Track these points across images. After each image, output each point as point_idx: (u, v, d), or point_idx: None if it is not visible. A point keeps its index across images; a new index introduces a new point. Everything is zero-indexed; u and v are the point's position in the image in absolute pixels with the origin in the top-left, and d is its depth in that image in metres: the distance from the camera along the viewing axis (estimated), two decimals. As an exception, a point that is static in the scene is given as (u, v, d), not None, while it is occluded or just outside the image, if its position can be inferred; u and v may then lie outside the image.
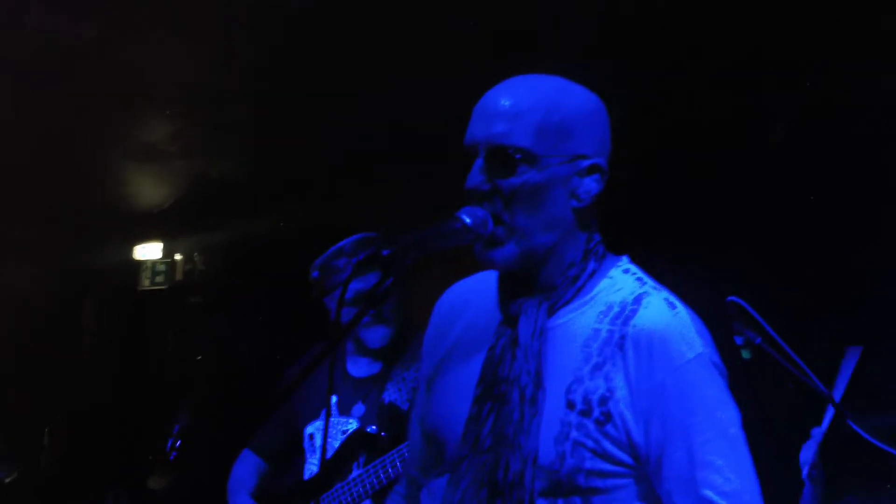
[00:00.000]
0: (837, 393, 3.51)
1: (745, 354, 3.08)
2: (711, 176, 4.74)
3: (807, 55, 4.32)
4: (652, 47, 4.27)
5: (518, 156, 1.81)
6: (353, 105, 5.11)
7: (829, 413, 3.54)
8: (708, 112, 4.75)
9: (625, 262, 1.95)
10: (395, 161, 5.68)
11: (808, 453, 3.55)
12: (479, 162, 1.84)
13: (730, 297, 3.12)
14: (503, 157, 1.82)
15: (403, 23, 4.33)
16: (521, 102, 1.84)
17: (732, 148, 4.78)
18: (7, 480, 4.16)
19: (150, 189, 6.41)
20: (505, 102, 1.85)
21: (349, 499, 3.38)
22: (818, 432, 3.57)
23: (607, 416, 1.77)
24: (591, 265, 1.89)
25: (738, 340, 3.10)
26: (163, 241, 6.97)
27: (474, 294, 2.04)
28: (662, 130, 4.63)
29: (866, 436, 3.02)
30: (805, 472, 3.53)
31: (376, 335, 3.50)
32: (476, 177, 1.84)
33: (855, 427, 3.04)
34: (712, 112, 4.75)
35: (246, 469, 3.75)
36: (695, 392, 1.77)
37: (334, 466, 3.45)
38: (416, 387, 3.55)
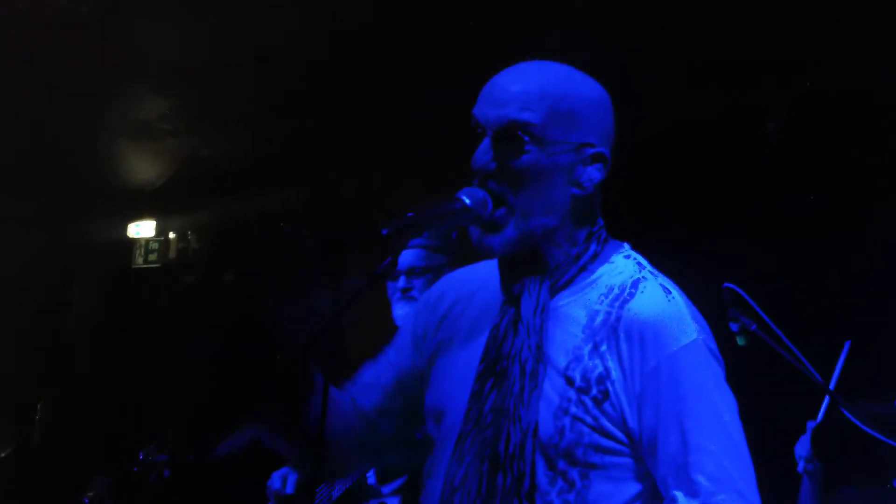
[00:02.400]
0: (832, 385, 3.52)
1: (741, 341, 3.09)
2: (709, 167, 4.75)
3: (806, 54, 4.33)
4: (650, 43, 4.27)
5: (527, 138, 1.82)
6: (349, 90, 5.11)
7: (824, 406, 3.55)
8: (705, 108, 4.77)
9: (626, 248, 1.96)
10: (390, 147, 5.69)
11: (804, 447, 3.56)
12: (486, 142, 1.85)
13: (726, 284, 3.12)
14: (512, 139, 1.82)
15: (404, 7, 4.32)
16: (533, 87, 1.85)
17: (731, 141, 4.79)
18: (2, 455, 4.17)
19: (144, 167, 6.39)
20: (518, 86, 1.86)
21: None
22: (814, 425, 3.58)
23: (605, 395, 1.78)
24: (594, 247, 1.90)
25: (734, 327, 3.10)
26: (156, 219, 6.95)
27: (478, 277, 2.05)
28: (661, 124, 4.64)
29: (859, 423, 3.03)
30: (801, 466, 3.54)
31: (402, 311, 3.50)
32: (483, 156, 1.85)
33: (848, 415, 3.05)
34: (710, 108, 4.76)
35: None
36: (688, 377, 1.77)
37: None
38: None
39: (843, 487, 3.63)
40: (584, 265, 1.89)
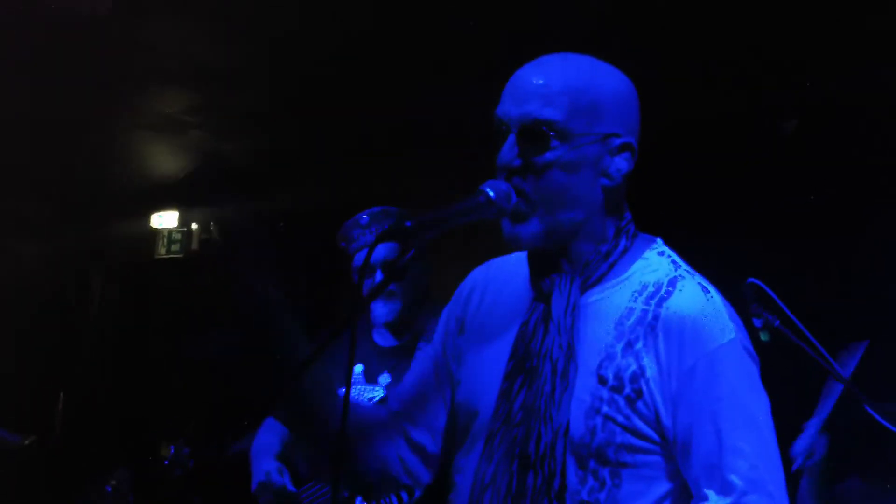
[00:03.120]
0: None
1: (764, 336, 3.08)
2: (711, 167, 4.76)
3: (808, 55, 4.32)
4: (650, 43, 4.26)
5: (552, 133, 1.80)
6: (370, 91, 5.12)
7: (829, 403, 3.54)
8: (706, 108, 4.76)
9: (659, 244, 1.95)
10: (409, 146, 5.70)
11: (800, 445, 3.56)
12: (511, 138, 1.84)
13: (749, 279, 3.12)
14: (536, 134, 1.82)
15: (420, 7, 4.33)
16: (555, 81, 1.83)
17: (732, 141, 4.79)
18: (26, 443, 4.20)
19: (168, 158, 6.41)
20: (539, 80, 1.84)
21: None
22: (810, 425, 3.58)
23: (638, 393, 1.77)
24: (623, 243, 1.89)
25: (757, 323, 3.10)
26: (179, 211, 6.98)
27: (507, 272, 2.03)
28: (661, 124, 4.63)
29: (883, 421, 3.02)
30: (797, 464, 3.53)
31: (385, 309, 3.50)
32: (508, 153, 1.84)
33: (871, 411, 3.04)
34: (711, 108, 4.76)
35: (270, 436, 3.76)
36: (725, 377, 1.77)
37: None
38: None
39: (851, 479, 3.62)
40: (614, 261, 1.87)
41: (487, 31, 4.26)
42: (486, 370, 1.92)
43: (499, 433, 1.85)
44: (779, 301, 3.06)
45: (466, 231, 1.89)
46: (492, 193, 1.82)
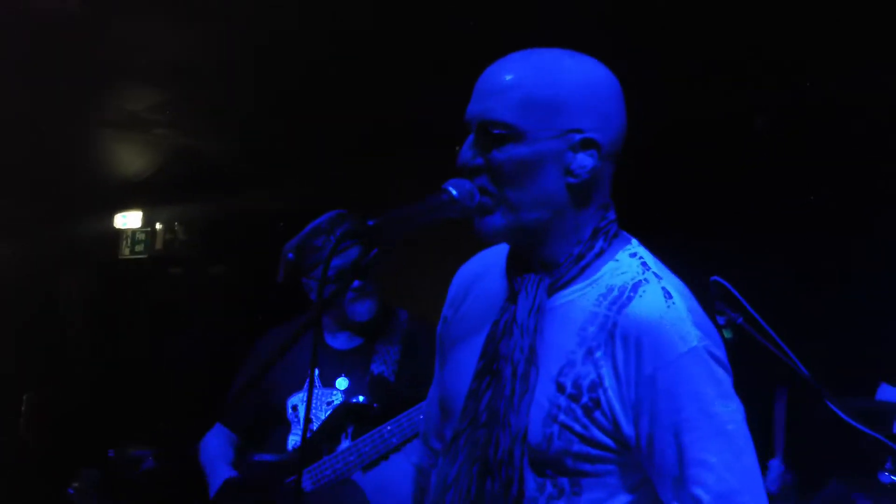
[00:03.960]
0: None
1: (727, 334, 3.10)
2: (704, 168, 4.77)
3: (805, 55, 4.34)
4: (648, 44, 4.27)
5: (501, 131, 1.77)
6: (341, 90, 5.11)
7: (780, 436, 3.58)
8: (701, 108, 4.78)
9: (634, 244, 1.89)
10: (382, 148, 5.69)
11: (773, 483, 3.60)
12: (470, 137, 1.82)
13: (713, 278, 3.13)
14: (490, 133, 1.79)
15: (399, 10, 4.32)
16: (507, 77, 1.80)
17: (727, 141, 4.81)
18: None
19: (132, 157, 6.37)
20: (494, 78, 1.82)
21: (341, 469, 3.38)
22: (773, 465, 3.62)
23: (596, 403, 1.73)
24: (599, 244, 1.83)
25: (720, 320, 3.11)
26: (143, 210, 6.94)
27: (487, 267, 2.00)
28: (658, 126, 4.65)
29: (844, 416, 3.04)
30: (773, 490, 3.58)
31: (363, 308, 3.50)
32: (466, 152, 1.82)
33: (833, 407, 3.06)
34: (706, 108, 4.78)
35: (220, 442, 3.74)
36: (687, 388, 1.71)
37: (321, 438, 3.44)
38: (400, 360, 3.55)
39: (830, 485, 3.65)
40: (587, 264, 1.82)
41: (487, 31, 4.25)
42: (461, 369, 1.90)
43: (464, 433, 1.83)
44: (742, 299, 3.08)
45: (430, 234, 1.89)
46: (455, 192, 1.79)
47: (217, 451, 3.72)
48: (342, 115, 5.42)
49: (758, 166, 4.74)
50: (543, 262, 1.84)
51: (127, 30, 4.64)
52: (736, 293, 3.08)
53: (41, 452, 6.61)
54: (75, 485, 4.31)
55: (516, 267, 1.87)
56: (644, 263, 1.83)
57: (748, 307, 3.07)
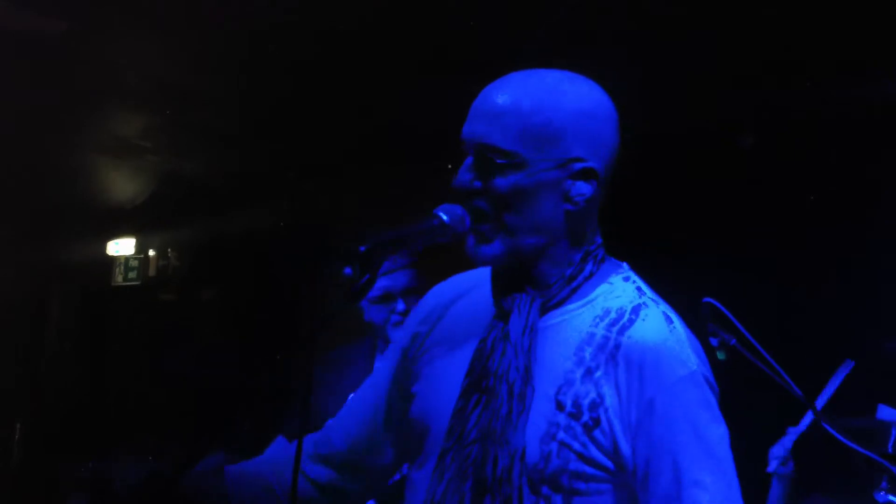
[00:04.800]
0: (822, 400, 3.54)
1: (720, 356, 3.09)
2: (690, 179, 4.77)
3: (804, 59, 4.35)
4: (641, 53, 4.28)
5: (502, 160, 1.78)
6: (327, 108, 5.11)
7: (809, 415, 3.56)
8: (697, 117, 4.78)
9: (625, 269, 1.92)
10: (368, 164, 5.69)
11: (779, 449, 3.57)
12: (468, 160, 1.83)
13: (705, 299, 3.13)
14: (490, 160, 1.80)
15: (384, 29, 4.33)
16: (504, 102, 1.80)
17: (717, 153, 4.81)
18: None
19: (123, 184, 6.36)
20: (492, 101, 1.82)
21: None
22: (794, 431, 3.59)
23: (596, 422, 1.75)
24: (589, 267, 1.86)
25: (713, 342, 3.11)
26: (136, 237, 6.92)
27: (469, 287, 2.01)
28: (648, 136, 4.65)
29: (840, 437, 3.04)
30: (773, 466, 3.55)
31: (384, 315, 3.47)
32: (465, 175, 1.82)
33: (829, 428, 3.05)
34: (701, 117, 4.78)
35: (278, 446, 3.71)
36: (684, 411, 1.75)
37: None
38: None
39: (813, 494, 3.64)
40: (577, 285, 1.85)
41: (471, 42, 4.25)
42: (443, 386, 1.90)
43: (451, 451, 1.82)
44: (734, 320, 3.08)
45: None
46: (445, 217, 1.80)
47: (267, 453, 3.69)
48: (334, 136, 5.42)
49: (747, 184, 4.75)
50: (535, 282, 1.85)
51: (114, 53, 4.65)
52: (729, 314, 3.07)
53: (33, 478, 6.57)
54: (67, 510, 4.27)
55: (504, 287, 1.87)
56: (639, 288, 1.87)
57: (741, 328, 3.07)
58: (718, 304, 3.08)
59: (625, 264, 1.93)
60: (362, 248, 1.72)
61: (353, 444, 2.08)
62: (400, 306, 3.38)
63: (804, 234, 4.57)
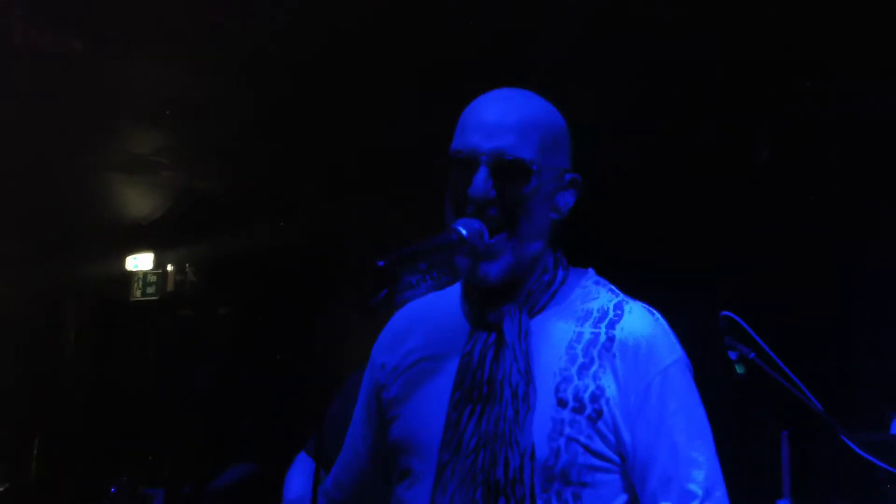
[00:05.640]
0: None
1: (739, 369, 3.08)
2: (697, 191, 4.77)
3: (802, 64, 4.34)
4: (629, 66, 4.27)
5: (530, 169, 1.85)
6: (341, 126, 5.13)
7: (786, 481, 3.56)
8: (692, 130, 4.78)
9: (592, 274, 2.00)
10: (383, 181, 5.70)
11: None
12: (483, 171, 1.86)
13: (723, 312, 3.11)
14: (512, 169, 1.85)
15: (392, 42, 4.34)
16: (526, 118, 1.88)
17: (718, 167, 4.81)
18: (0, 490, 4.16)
19: (141, 200, 6.40)
20: (505, 115, 1.88)
21: None
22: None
23: (599, 413, 1.81)
24: (561, 273, 1.95)
25: (732, 355, 3.09)
26: (154, 252, 6.95)
27: (426, 311, 2.07)
28: (641, 147, 4.65)
29: (858, 450, 3.02)
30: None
31: None
32: (481, 185, 1.85)
33: (848, 441, 3.03)
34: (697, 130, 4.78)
35: (302, 472, 3.71)
36: (676, 393, 1.85)
37: None
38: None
39: None
40: (555, 291, 1.93)
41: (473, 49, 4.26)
42: (427, 404, 1.92)
43: (449, 464, 1.85)
44: (753, 334, 3.06)
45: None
46: (464, 232, 1.82)
47: (298, 489, 3.69)
48: (350, 152, 5.44)
49: (759, 195, 4.74)
50: (519, 291, 1.91)
51: (130, 71, 4.67)
52: (748, 328, 3.06)
53: (51, 495, 6.59)
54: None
55: (484, 301, 1.91)
56: (612, 290, 1.96)
57: (760, 342, 3.05)
58: (737, 318, 3.07)
59: (591, 270, 2.01)
60: (381, 263, 1.73)
61: (353, 489, 2.16)
62: None
63: (813, 239, 4.56)
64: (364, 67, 4.59)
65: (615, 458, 1.82)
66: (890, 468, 3.03)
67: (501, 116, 1.89)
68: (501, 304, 1.90)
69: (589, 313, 1.90)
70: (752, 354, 3.08)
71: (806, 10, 3.98)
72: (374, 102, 4.87)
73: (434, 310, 2.05)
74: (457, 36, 4.23)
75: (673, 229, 4.61)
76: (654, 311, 1.91)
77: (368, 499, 2.13)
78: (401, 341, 2.05)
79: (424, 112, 4.74)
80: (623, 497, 1.85)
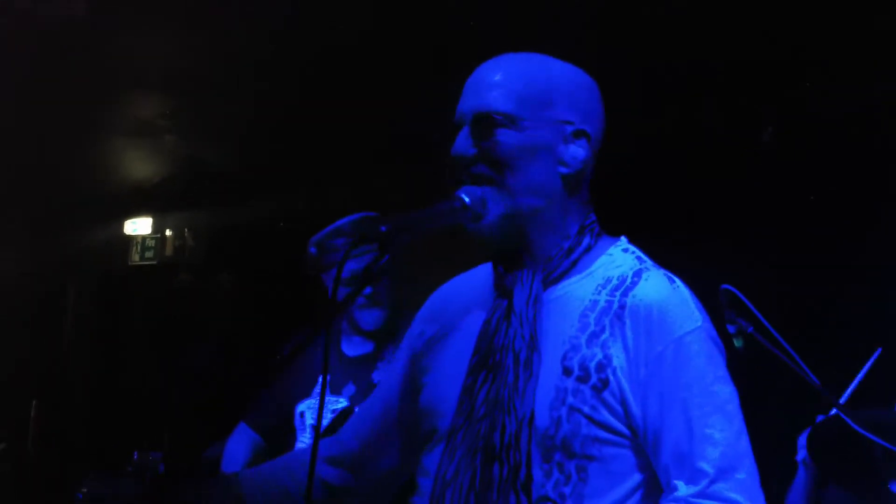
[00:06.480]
0: (849, 390, 3.53)
1: (738, 343, 3.08)
2: (709, 169, 4.76)
3: (805, 57, 4.33)
4: (648, 48, 4.27)
5: (499, 118, 1.85)
6: (347, 98, 5.11)
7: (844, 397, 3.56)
8: (706, 112, 4.77)
9: (623, 241, 1.97)
10: (388, 156, 5.69)
11: (805, 437, 3.56)
12: (464, 130, 1.89)
13: (723, 286, 3.12)
14: (486, 122, 1.87)
15: (403, 18, 4.33)
16: (503, 73, 1.90)
17: (731, 145, 4.81)
18: (-1, 448, 4.18)
19: (142, 164, 6.38)
20: (489, 74, 1.91)
21: None
22: (821, 418, 3.59)
23: (605, 383, 1.77)
24: (587, 240, 1.91)
25: (731, 329, 3.09)
26: (153, 217, 6.94)
27: (469, 282, 2.06)
28: (662, 129, 4.64)
29: (857, 427, 3.02)
30: (801, 454, 3.55)
31: (371, 317, 3.50)
32: (462, 142, 1.88)
33: (846, 418, 3.04)
34: (710, 112, 4.77)
35: (241, 443, 3.74)
36: (692, 364, 1.77)
37: None
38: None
39: (829, 486, 3.64)
40: (577, 258, 1.89)
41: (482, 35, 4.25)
42: (451, 371, 1.93)
43: (461, 429, 1.84)
44: (752, 307, 3.07)
45: (440, 240, 1.90)
46: (467, 199, 1.84)
47: (234, 452, 3.72)
48: (350, 122, 5.42)
49: (763, 173, 4.74)
50: (535, 256, 1.89)
51: (135, 37, 4.66)
52: (747, 302, 3.06)
53: (48, 460, 6.61)
54: (83, 490, 4.29)
55: (506, 268, 1.91)
56: (639, 257, 1.92)
57: (759, 316, 3.05)
58: (737, 291, 3.07)
59: (623, 237, 1.97)
60: (383, 228, 1.74)
61: (365, 443, 2.13)
62: (366, 289, 3.38)
63: (813, 232, 4.57)
64: (371, 43, 4.57)
65: (625, 430, 1.78)
66: (888, 445, 3.03)
67: (485, 76, 1.91)
68: (516, 269, 1.88)
69: (608, 281, 1.86)
70: (751, 328, 3.09)
71: (806, 10, 3.97)
72: (380, 75, 4.85)
73: (472, 282, 2.04)
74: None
75: (673, 229, 4.59)
76: (675, 279, 1.86)
77: (374, 465, 2.13)
78: (440, 312, 2.06)
79: (437, 92, 4.74)
80: (637, 476, 1.80)
